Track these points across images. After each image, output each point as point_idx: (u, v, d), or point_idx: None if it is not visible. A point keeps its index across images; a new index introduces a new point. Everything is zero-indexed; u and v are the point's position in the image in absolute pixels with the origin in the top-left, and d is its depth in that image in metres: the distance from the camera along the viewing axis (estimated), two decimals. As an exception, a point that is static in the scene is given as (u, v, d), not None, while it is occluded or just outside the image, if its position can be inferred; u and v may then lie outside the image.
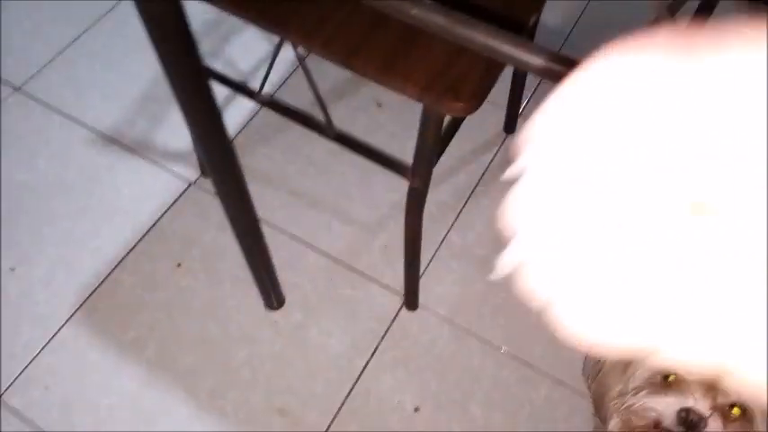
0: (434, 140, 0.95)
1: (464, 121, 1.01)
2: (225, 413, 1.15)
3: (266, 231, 1.11)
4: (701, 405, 0.74)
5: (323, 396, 1.17)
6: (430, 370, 1.20)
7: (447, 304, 1.27)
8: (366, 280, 1.29)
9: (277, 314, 1.26)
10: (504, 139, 1.45)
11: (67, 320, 1.23)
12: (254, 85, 1.16)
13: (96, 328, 1.23)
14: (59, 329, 1.22)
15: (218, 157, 0.93)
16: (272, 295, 1.25)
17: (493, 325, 1.24)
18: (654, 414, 0.75)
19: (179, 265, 1.30)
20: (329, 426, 1.14)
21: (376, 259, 1.31)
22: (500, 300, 1.26)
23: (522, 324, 1.24)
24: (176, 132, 1.43)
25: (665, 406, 0.75)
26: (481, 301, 1.27)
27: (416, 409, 1.16)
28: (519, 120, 1.44)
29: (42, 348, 1.20)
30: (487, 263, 1.30)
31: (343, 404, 1.16)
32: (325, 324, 1.25)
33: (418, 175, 1.00)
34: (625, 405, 0.80)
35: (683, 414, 0.74)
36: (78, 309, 1.24)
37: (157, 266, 1.29)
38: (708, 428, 0.73)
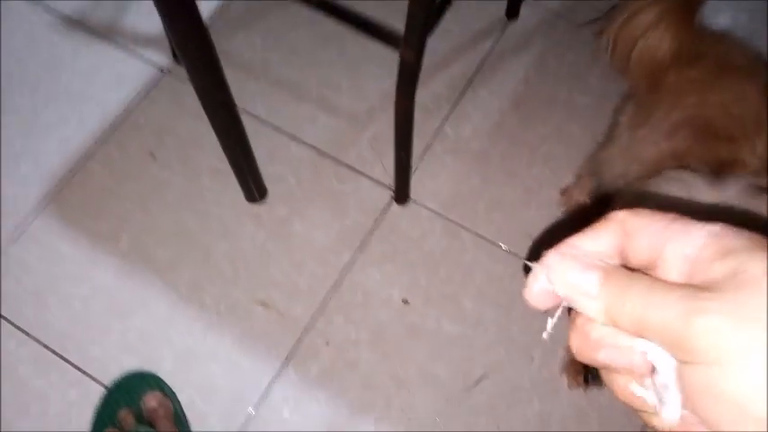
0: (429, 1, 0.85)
1: (463, 4, 0.91)
2: (205, 305, 1.10)
3: (247, 122, 1.03)
4: None
5: (308, 289, 1.12)
6: (420, 265, 1.14)
7: (440, 199, 1.20)
8: (354, 173, 1.22)
9: (259, 207, 1.19)
10: (506, 26, 1.34)
11: (38, 213, 1.15)
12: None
13: (67, 221, 1.15)
14: (30, 222, 1.15)
15: (190, 42, 0.84)
16: (254, 188, 1.18)
17: (488, 221, 1.18)
18: None
19: (153, 155, 1.21)
20: (314, 318, 1.09)
21: (364, 152, 1.23)
22: (496, 196, 1.20)
23: (519, 221, 1.18)
24: (147, 14, 1.32)
25: None
26: (476, 197, 1.20)
27: (405, 302, 1.11)
28: (522, 4, 1.32)
29: (14, 241, 1.13)
30: (484, 157, 1.23)
31: (328, 298, 1.11)
32: (311, 218, 1.18)
33: (410, 46, 0.90)
34: None
35: None
36: (48, 201, 1.16)
37: (130, 157, 1.21)
38: None
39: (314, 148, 1.24)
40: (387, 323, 1.09)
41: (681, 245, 0.21)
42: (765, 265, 0.18)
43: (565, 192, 1.18)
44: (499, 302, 1.11)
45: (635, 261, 0.23)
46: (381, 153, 1.22)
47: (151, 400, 0.98)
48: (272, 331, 1.08)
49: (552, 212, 1.18)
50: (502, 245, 1.16)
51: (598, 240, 0.23)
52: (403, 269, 1.14)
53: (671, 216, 0.21)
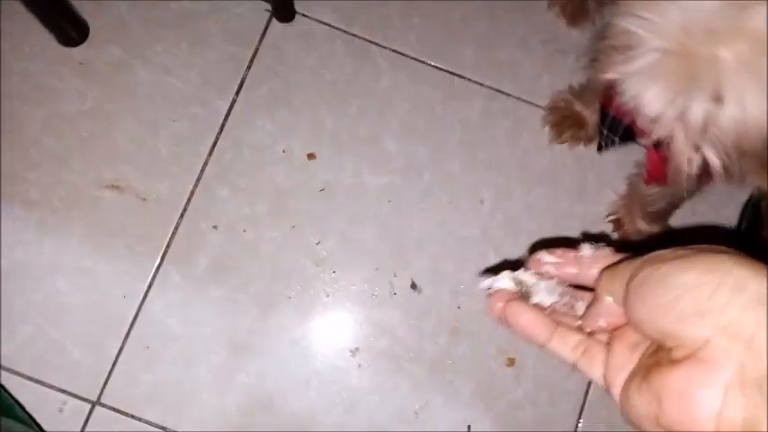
0: None
1: None
2: (32, 202, 0.78)
3: None
4: None
5: (173, 158, 0.81)
6: (323, 101, 0.84)
7: (337, 8, 0.87)
8: (211, -14, 0.86)
9: (82, 51, 0.83)
10: None
11: None
12: None
13: None
14: None
15: None
16: (67, 25, 0.81)
17: (404, 30, 0.87)
18: None
19: None
20: (191, 196, 0.80)
21: (221, -48, 0.87)
22: (410, -8, 0.88)
23: (443, 25, 0.87)
24: None
25: None
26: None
27: (311, 156, 0.83)
28: None
29: None
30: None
31: (205, 165, 0.81)
32: (160, 58, 0.84)
33: None
34: None
35: None
36: None
37: None
38: None
39: (146, -46, 0.86)
40: (289, 186, 0.82)
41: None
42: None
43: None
44: (431, 136, 0.85)
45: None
46: (244, -50, 0.86)
47: None
48: (133, 222, 0.79)
49: (484, 11, 0.88)
50: (427, 60, 0.87)
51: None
52: (301, 110, 0.84)
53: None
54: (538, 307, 0.31)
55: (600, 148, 0.68)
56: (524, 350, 0.79)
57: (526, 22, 0.89)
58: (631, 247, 0.30)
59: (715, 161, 0.41)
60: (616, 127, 0.61)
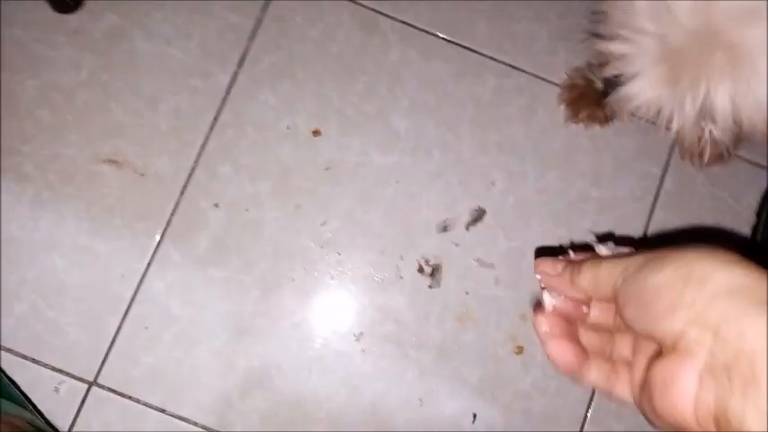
0: None
1: None
2: (27, 177, 0.76)
3: None
4: None
5: (174, 132, 0.78)
6: (328, 75, 0.81)
7: (344, -24, 0.83)
8: (213, -50, 0.81)
9: (77, 19, 0.79)
10: None
11: None
12: None
13: None
14: None
15: None
16: (62, -10, 0.77)
17: (415, 1, 0.83)
18: None
19: None
20: (192, 172, 0.77)
21: None
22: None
23: (458, -8, 0.83)
24: None
25: None
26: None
27: (316, 133, 0.80)
28: None
29: None
30: None
31: (206, 140, 0.78)
32: (159, 26, 0.80)
33: None
34: None
35: None
36: None
37: None
38: None
39: None
40: (294, 163, 0.79)
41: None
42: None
43: None
44: (441, 114, 0.81)
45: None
46: None
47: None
48: (131, 198, 0.76)
49: (503, -23, 0.84)
50: (438, 33, 0.83)
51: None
52: (306, 85, 0.80)
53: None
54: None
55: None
56: (533, 338, 0.77)
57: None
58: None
59: (721, 137, 0.46)
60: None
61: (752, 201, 0.81)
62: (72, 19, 0.79)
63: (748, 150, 0.82)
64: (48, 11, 0.78)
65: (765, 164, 0.82)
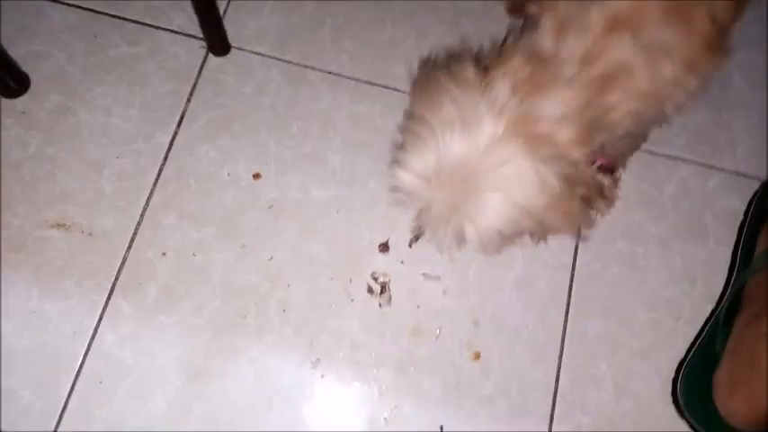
0: None
1: None
2: (-28, 249, 0.78)
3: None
4: None
5: (118, 192, 0.82)
6: (264, 126, 0.86)
7: (269, 39, 0.91)
8: (147, 30, 0.90)
9: (24, 101, 0.85)
10: None
11: None
12: None
13: None
14: None
15: None
16: (8, 78, 0.84)
17: (337, 52, 0.91)
18: None
19: None
20: (137, 227, 0.80)
21: (153, 1, 0.91)
22: (341, 20, 0.92)
23: (374, 44, 0.92)
24: None
25: None
26: (316, 26, 0.92)
27: (256, 176, 0.84)
28: None
29: None
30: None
31: (150, 196, 0.82)
32: (101, 100, 0.86)
33: None
34: None
35: None
36: None
37: None
38: None
39: (81, 8, 0.90)
40: (237, 206, 0.82)
41: None
42: None
43: None
44: (372, 148, 0.86)
45: None
46: (177, -5, 0.90)
47: None
48: (80, 258, 0.78)
49: (413, 27, 0.93)
50: (362, 78, 0.90)
51: None
52: (243, 135, 0.86)
53: None
54: None
55: None
56: (489, 343, 0.78)
57: (453, 36, 0.93)
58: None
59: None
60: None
61: (674, 190, 0.86)
62: (19, 102, 0.85)
63: (657, 145, 0.88)
64: (-5, 98, 0.84)
65: (680, 155, 0.87)
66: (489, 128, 0.55)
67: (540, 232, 0.62)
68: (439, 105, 0.58)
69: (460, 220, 0.57)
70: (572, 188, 0.58)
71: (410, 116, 0.63)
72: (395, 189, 0.61)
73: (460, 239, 0.59)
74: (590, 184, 0.63)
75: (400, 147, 0.61)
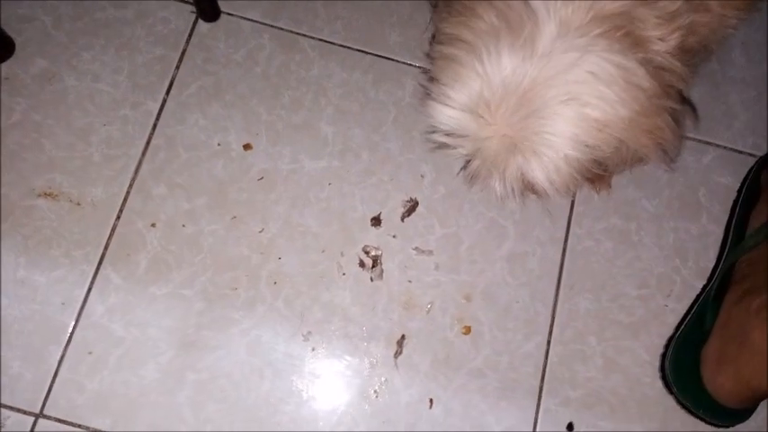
0: None
1: None
2: (-42, 218, 0.76)
3: None
4: None
5: (106, 160, 0.80)
6: (255, 94, 0.85)
7: (260, 4, 0.88)
8: (134, -7, 0.87)
9: (7, 67, 0.83)
10: None
11: None
12: None
13: None
14: None
15: None
16: (-9, 41, 0.81)
17: (331, 19, 0.89)
18: None
19: None
20: (126, 196, 0.79)
21: (142, -39, 0.88)
22: (333, -16, 0.90)
23: (372, 9, 0.89)
24: None
25: None
26: (308, -7, 0.89)
27: (247, 147, 0.83)
28: None
29: None
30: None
31: (139, 165, 0.80)
32: (88, 65, 0.84)
33: None
34: None
35: None
36: None
37: None
38: None
39: (67, -31, 0.87)
40: (228, 177, 0.81)
41: None
42: None
43: None
44: (365, 118, 0.85)
45: None
46: (165, -43, 0.87)
47: None
48: (69, 228, 0.77)
49: (409, -10, 0.90)
50: (354, 46, 0.88)
51: None
52: (234, 104, 0.84)
53: None
54: None
55: None
56: (480, 317, 0.78)
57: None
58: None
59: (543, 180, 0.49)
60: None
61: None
62: (3, 67, 0.82)
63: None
64: (-22, 63, 0.82)
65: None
66: (547, 26, 0.43)
67: (619, 158, 0.50)
68: (475, 15, 0.46)
69: (521, 157, 0.48)
70: (662, 98, 0.47)
71: (439, 40, 0.51)
72: (434, 130, 0.50)
73: (524, 185, 0.49)
74: (676, 99, 0.50)
75: (433, 80, 0.50)
